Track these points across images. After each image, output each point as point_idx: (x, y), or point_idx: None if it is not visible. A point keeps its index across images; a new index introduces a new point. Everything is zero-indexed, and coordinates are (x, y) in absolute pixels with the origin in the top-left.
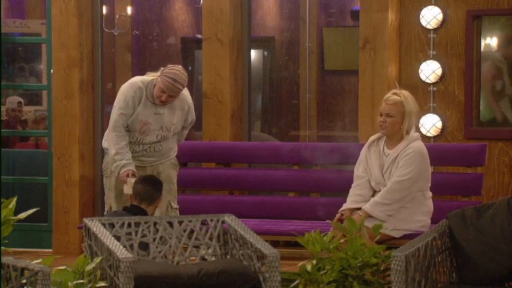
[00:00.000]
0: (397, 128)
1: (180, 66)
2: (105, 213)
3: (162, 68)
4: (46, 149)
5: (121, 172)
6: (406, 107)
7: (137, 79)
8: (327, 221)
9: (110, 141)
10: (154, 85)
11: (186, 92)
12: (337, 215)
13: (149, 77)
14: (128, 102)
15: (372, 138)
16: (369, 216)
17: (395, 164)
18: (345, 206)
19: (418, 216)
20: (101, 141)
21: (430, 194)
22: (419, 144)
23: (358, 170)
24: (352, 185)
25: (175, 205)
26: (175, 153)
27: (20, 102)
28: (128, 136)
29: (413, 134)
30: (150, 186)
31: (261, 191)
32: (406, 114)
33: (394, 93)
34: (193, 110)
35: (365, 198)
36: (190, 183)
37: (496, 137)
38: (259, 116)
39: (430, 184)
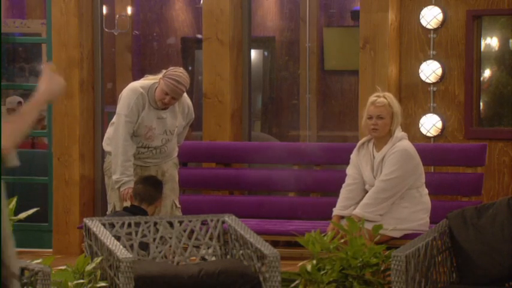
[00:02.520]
0: (387, 130)
1: (181, 68)
2: (108, 213)
3: (163, 71)
4: (43, 148)
5: (122, 189)
6: (394, 108)
7: (136, 85)
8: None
9: (118, 150)
10: (155, 89)
11: (184, 94)
12: (329, 229)
13: (148, 80)
14: (132, 109)
15: (360, 141)
16: (360, 220)
17: (383, 164)
18: (335, 211)
19: (417, 214)
20: (101, 141)
21: (426, 191)
22: (405, 143)
23: (350, 171)
24: (344, 184)
25: (178, 204)
26: (176, 153)
27: (20, 102)
28: (134, 141)
29: (399, 133)
30: (150, 187)
31: (261, 191)
32: (394, 115)
33: (379, 96)
34: (192, 109)
35: (355, 201)
36: (190, 183)
37: (496, 137)
38: (259, 116)
39: (424, 181)
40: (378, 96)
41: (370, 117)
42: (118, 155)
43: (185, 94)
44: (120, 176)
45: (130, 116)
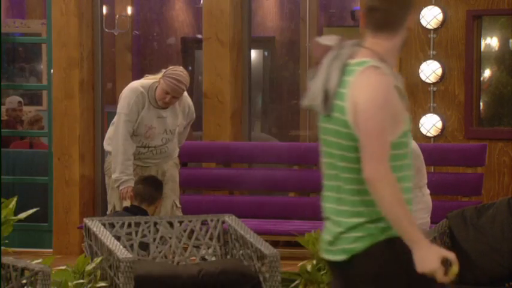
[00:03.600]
0: None
1: (181, 67)
2: (108, 212)
3: (163, 70)
4: (42, 148)
5: (121, 188)
6: None
7: (137, 84)
8: None
9: (118, 149)
10: (156, 88)
11: (185, 93)
12: None
13: (148, 80)
14: (131, 108)
15: None
16: None
17: None
18: None
19: (419, 213)
20: (101, 141)
21: (428, 191)
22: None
23: None
24: None
25: (179, 204)
26: (177, 153)
27: (20, 102)
28: (134, 141)
29: None
30: (150, 187)
31: (261, 191)
32: None
33: None
34: (193, 109)
35: None
36: (190, 183)
37: (496, 137)
38: (259, 116)
39: (426, 181)
40: None
41: None
42: (118, 153)
43: (186, 93)
44: (120, 174)
45: (129, 115)
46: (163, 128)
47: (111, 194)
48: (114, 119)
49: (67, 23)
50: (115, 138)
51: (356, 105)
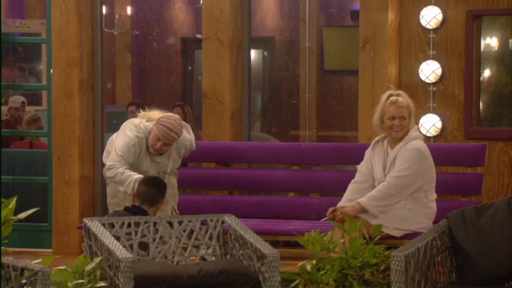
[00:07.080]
0: (407, 129)
1: (176, 115)
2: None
3: (161, 116)
4: (42, 148)
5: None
6: (412, 107)
7: (140, 127)
8: (322, 220)
9: (114, 166)
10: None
11: (184, 135)
12: (329, 211)
13: (149, 122)
14: (129, 150)
15: (376, 138)
16: (363, 209)
17: (395, 162)
18: (340, 203)
19: (420, 218)
20: (101, 141)
21: (434, 196)
22: (419, 143)
23: (361, 167)
24: (353, 180)
25: (177, 210)
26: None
27: (23, 102)
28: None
29: (413, 133)
30: (153, 189)
31: (261, 191)
32: (412, 114)
33: (397, 95)
34: (194, 144)
35: (361, 197)
36: (190, 183)
37: (495, 137)
38: (259, 116)
39: (434, 185)
40: (396, 95)
41: (392, 118)
42: (115, 168)
43: (185, 132)
44: (127, 174)
45: (127, 153)
46: (157, 170)
47: (110, 201)
48: (107, 147)
49: (67, 23)
50: (115, 175)
51: None
